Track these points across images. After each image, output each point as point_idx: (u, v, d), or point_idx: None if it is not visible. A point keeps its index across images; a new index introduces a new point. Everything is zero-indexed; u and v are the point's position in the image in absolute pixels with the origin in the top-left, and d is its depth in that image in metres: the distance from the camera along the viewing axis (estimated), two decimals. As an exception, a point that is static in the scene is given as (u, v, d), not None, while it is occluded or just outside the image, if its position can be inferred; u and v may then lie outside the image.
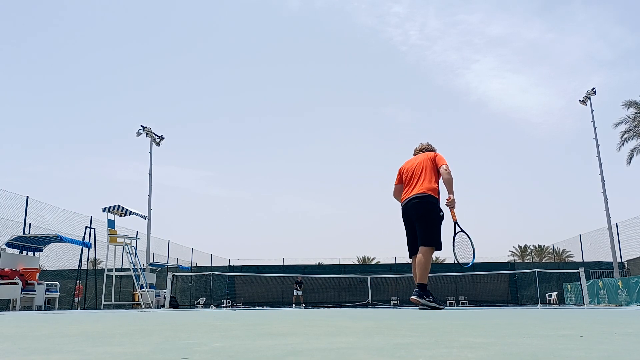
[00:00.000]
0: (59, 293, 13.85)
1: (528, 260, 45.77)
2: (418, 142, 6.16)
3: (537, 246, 50.20)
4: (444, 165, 5.57)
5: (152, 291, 16.57)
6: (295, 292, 23.73)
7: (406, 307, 6.88)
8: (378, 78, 66.74)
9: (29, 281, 12.41)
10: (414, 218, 5.54)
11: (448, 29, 61.26)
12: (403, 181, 5.84)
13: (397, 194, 5.92)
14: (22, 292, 11.93)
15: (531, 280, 24.82)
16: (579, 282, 13.08)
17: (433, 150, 6.02)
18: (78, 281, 16.98)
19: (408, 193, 5.65)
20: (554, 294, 23.96)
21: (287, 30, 68.01)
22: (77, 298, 17.09)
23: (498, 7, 60.04)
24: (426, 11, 61.91)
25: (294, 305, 21.64)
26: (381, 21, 62.71)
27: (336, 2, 62.93)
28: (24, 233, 14.32)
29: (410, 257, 5.74)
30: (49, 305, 13.39)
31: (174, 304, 16.72)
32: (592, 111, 20.46)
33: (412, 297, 5.30)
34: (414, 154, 6.05)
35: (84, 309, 15.53)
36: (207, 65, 64.91)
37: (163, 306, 15.58)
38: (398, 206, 5.92)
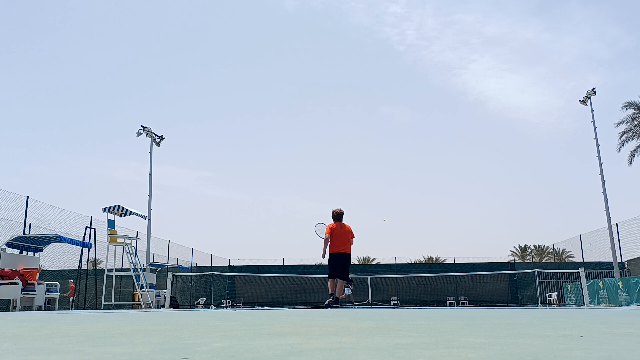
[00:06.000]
0: (59, 293, 13.84)
1: (528, 260, 45.73)
2: (335, 207, 9.92)
3: (537, 246, 50.15)
4: (354, 239, 9.91)
5: (152, 291, 16.56)
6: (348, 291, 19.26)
7: (406, 307, 6.90)
8: (375, 78, 66.77)
9: (29, 281, 12.41)
10: (345, 264, 9.69)
11: (445, 29, 61.21)
12: (333, 236, 9.57)
13: (326, 242, 9.57)
14: (22, 292, 11.93)
15: (531, 280, 24.80)
16: (579, 282, 13.08)
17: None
18: (70, 280, 16.82)
19: (342, 248, 9.62)
20: (554, 294, 23.94)
21: (283, 30, 68.05)
22: (70, 297, 17.05)
23: (495, 7, 60.02)
24: (423, 11, 61.86)
25: (356, 304, 16.05)
26: (378, 21, 62.73)
27: (332, 2, 62.96)
28: (24, 233, 14.32)
29: (331, 278, 9.50)
30: (49, 305, 13.39)
31: (174, 304, 16.71)
32: (593, 111, 20.45)
33: (334, 304, 9.35)
34: (337, 216, 9.80)
35: (85, 309, 15.53)
36: (206, 65, 64.97)
37: (163, 306, 15.58)
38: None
